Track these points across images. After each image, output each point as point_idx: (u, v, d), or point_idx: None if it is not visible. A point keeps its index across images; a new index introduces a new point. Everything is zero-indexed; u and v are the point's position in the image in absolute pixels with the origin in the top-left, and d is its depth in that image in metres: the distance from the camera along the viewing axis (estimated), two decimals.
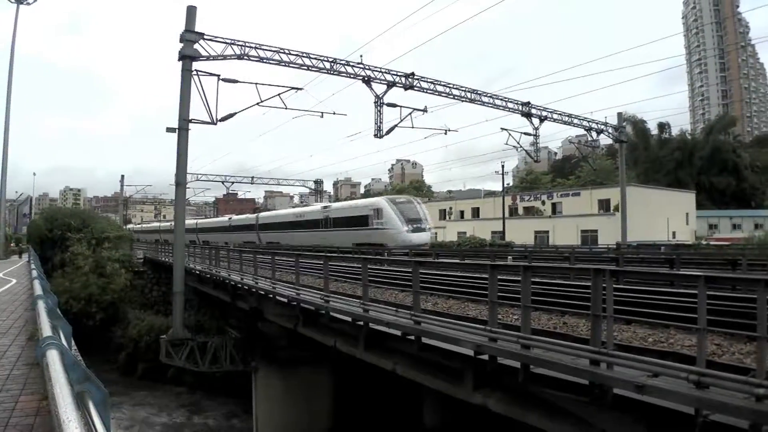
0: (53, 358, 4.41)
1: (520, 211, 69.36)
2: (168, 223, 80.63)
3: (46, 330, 6.36)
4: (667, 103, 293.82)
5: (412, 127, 31.71)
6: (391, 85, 29.33)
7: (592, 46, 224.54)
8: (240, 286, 20.52)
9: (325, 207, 47.59)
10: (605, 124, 39.10)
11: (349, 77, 28.70)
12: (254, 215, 61.96)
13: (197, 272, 27.37)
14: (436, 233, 44.66)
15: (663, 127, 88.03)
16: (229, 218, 69.52)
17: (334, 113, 31.86)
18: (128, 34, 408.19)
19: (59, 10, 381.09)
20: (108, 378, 25.25)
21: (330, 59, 28.17)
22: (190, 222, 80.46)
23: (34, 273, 17.40)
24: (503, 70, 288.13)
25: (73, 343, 7.73)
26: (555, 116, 35.78)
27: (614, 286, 6.76)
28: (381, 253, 29.93)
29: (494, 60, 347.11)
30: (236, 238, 59.68)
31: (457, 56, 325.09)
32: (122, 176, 78.51)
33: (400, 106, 30.71)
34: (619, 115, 41.53)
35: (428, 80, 30.53)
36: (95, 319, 31.45)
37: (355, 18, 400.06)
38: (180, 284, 24.34)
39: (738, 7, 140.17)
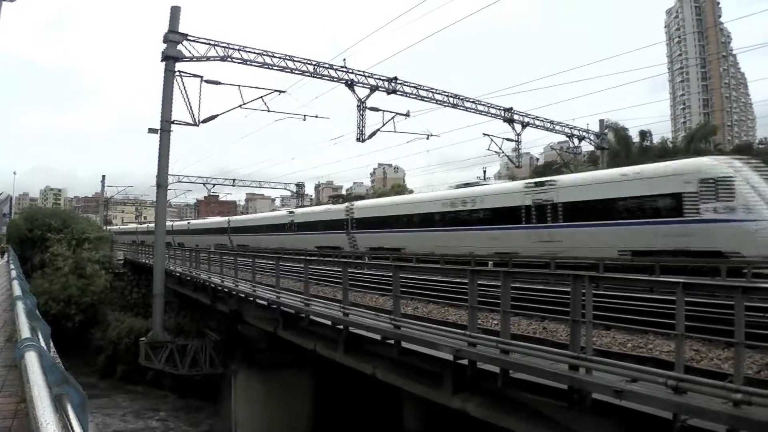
0: (32, 360, 4.37)
1: None
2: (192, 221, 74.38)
3: (25, 331, 6.29)
4: (651, 111, 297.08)
5: (395, 132, 31.66)
6: (373, 89, 29.31)
7: (582, 52, 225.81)
8: (220, 288, 20.46)
9: (539, 183, 25.16)
10: (587, 130, 39.34)
11: (332, 81, 28.63)
12: (343, 206, 40.77)
13: (177, 274, 27.23)
14: None
15: (644, 134, 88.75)
16: (290, 212, 48.94)
17: (316, 116, 31.79)
18: (111, 33, 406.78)
19: (43, 7, 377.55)
20: (87, 381, 25.01)
21: (313, 62, 28.11)
22: (219, 220, 67.03)
23: (14, 273, 17.20)
24: (493, 73, 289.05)
25: (51, 344, 7.65)
26: (537, 122, 35.97)
27: (594, 291, 6.81)
28: (361, 257, 29.36)
29: (485, 62, 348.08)
30: (306, 241, 41.51)
31: (449, 58, 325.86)
32: (103, 176, 77.04)
33: (383, 110, 30.64)
34: (601, 122, 41.68)
35: (411, 85, 30.51)
36: (74, 320, 31.08)
37: (341, 22, 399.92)
38: (160, 286, 24.19)
39: (720, 17, 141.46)
